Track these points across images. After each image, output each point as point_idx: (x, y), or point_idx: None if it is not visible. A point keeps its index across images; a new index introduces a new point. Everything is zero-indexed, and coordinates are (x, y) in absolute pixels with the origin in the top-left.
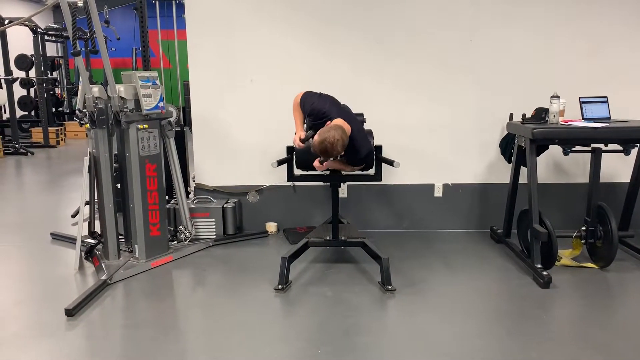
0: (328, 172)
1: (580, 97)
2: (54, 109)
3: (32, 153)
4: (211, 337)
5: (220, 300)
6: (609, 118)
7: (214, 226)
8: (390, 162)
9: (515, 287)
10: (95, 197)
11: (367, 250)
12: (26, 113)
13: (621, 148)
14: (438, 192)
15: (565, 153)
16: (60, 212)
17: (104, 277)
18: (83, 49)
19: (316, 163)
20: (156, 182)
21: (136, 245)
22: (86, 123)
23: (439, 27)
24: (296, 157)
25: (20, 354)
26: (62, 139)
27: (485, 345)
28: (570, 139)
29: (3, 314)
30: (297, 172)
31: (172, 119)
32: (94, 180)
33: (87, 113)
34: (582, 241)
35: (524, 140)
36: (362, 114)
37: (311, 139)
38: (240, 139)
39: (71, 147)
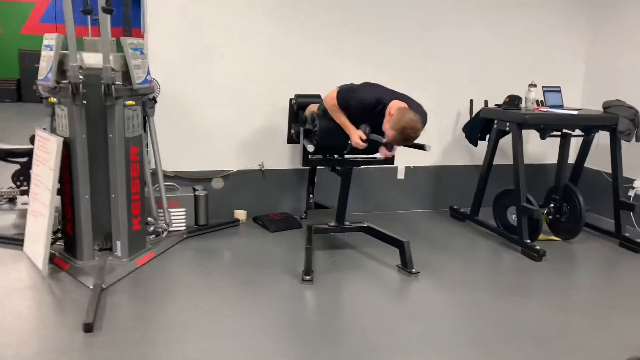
0: (342, 157)
1: (543, 86)
2: None
3: None
4: (264, 338)
5: (245, 297)
6: (562, 105)
7: (184, 216)
8: (422, 147)
9: (511, 261)
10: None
11: (374, 234)
12: None
13: (582, 133)
14: (400, 175)
15: (543, 137)
16: None
17: (95, 282)
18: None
19: (385, 152)
20: (138, 167)
21: (118, 242)
22: (50, 97)
23: (402, 15)
24: (317, 142)
25: None
26: None
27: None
28: (552, 125)
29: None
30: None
31: (156, 95)
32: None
33: (69, 86)
34: (549, 217)
35: (509, 125)
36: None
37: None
38: (204, 121)
39: None
